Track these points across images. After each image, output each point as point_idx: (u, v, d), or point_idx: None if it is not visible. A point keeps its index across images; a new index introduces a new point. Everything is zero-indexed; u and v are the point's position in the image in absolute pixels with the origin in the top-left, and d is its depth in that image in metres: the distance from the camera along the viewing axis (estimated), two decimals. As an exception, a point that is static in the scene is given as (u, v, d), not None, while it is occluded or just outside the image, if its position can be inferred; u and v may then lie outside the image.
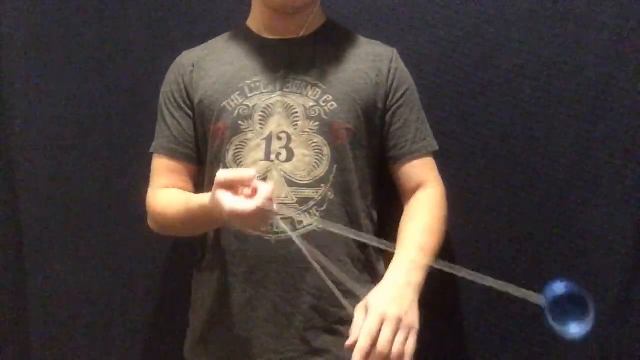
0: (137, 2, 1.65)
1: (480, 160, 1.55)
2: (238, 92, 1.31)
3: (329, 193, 1.28)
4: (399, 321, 1.08)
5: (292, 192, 1.26)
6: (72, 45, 1.67)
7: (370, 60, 1.36)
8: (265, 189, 1.04)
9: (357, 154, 1.32)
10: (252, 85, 1.31)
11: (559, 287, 0.99)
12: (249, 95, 1.30)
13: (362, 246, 1.32)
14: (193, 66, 1.38)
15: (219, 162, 1.31)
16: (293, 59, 1.34)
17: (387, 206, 1.41)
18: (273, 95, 1.30)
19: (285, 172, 1.26)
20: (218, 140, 1.31)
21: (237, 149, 1.29)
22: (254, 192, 1.05)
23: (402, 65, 1.40)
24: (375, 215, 1.40)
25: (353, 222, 1.31)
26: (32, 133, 1.69)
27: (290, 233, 1.13)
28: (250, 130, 1.28)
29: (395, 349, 1.06)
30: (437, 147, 1.40)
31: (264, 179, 1.25)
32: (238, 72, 1.34)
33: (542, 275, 1.53)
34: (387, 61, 1.37)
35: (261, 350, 1.28)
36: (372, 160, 1.37)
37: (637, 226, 1.48)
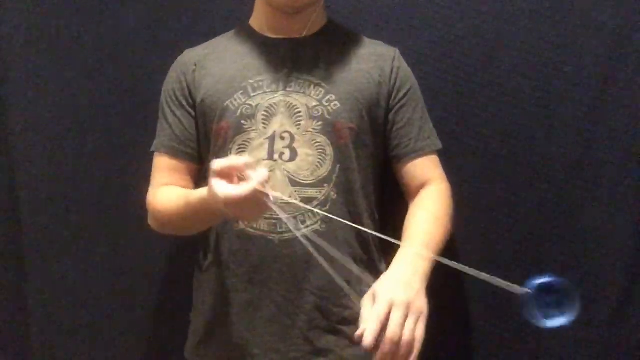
0: (137, 2, 1.65)
1: (480, 160, 1.55)
2: (241, 92, 1.31)
3: (332, 193, 1.28)
4: (408, 306, 1.05)
5: (295, 191, 1.25)
6: (72, 45, 1.66)
7: (372, 60, 1.36)
8: (259, 174, 1.03)
9: (360, 154, 1.32)
10: (255, 85, 1.31)
11: (540, 279, 1.01)
12: (252, 94, 1.30)
13: (365, 246, 1.33)
14: (195, 65, 1.38)
15: None
16: (296, 58, 1.34)
17: (391, 206, 1.41)
18: (276, 95, 1.30)
19: (288, 172, 1.26)
20: (221, 139, 1.31)
21: (239, 148, 1.28)
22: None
23: (404, 64, 1.40)
24: (377, 215, 1.40)
25: (356, 221, 1.30)
26: (32, 133, 1.68)
27: (294, 231, 1.13)
28: (254, 130, 1.28)
29: (406, 334, 1.03)
30: (440, 146, 1.40)
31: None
32: (241, 71, 1.34)
33: (542, 275, 1.53)
34: (390, 60, 1.38)
35: (264, 351, 1.28)
36: (375, 160, 1.37)
37: (637, 226, 1.48)
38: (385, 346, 1.02)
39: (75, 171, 1.69)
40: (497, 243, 1.56)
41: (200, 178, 1.41)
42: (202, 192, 1.16)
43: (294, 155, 1.27)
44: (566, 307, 1.02)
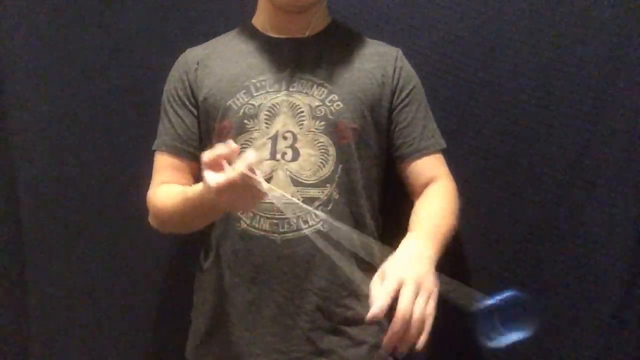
0: (137, 2, 1.65)
1: (480, 160, 1.55)
2: (244, 91, 1.31)
3: (334, 193, 1.28)
4: (419, 284, 1.03)
5: (297, 191, 1.26)
6: (72, 45, 1.66)
7: (375, 60, 1.37)
8: (245, 157, 1.01)
9: (363, 154, 1.32)
10: (258, 84, 1.31)
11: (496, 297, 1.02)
12: (255, 94, 1.30)
13: (367, 246, 1.32)
14: (198, 64, 1.38)
15: None
16: (299, 58, 1.34)
17: (393, 206, 1.41)
18: (279, 95, 1.30)
19: (290, 172, 1.26)
20: (223, 138, 1.29)
21: (242, 148, 1.27)
22: None
23: (407, 64, 1.41)
24: (379, 215, 1.40)
25: (358, 222, 1.31)
26: (32, 133, 1.68)
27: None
28: (256, 130, 1.29)
29: (417, 312, 1.01)
30: (444, 145, 1.40)
31: (270, 178, 1.25)
32: (244, 70, 1.34)
33: (542, 275, 1.53)
34: (392, 60, 1.38)
35: (265, 351, 1.28)
36: (378, 160, 1.37)
37: (637, 226, 1.48)
38: (396, 324, 1.00)
39: (75, 171, 1.69)
40: (497, 243, 1.56)
41: (201, 177, 1.41)
42: (199, 186, 1.16)
43: (296, 155, 1.27)
44: (521, 323, 1.02)
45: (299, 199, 1.23)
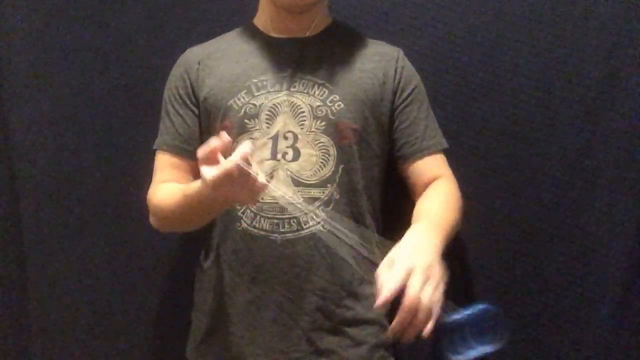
0: (137, 2, 1.65)
1: (480, 160, 1.55)
2: (245, 91, 1.31)
3: (335, 193, 1.28)
4: (427, 272, 1.04)
5: (298, 191, 1.26)
6: (73, 44, 1.66)
7: (376, 60, 1.37)
8: (240, 148, 1.01)
9: (364, 154, 1.32)
10: (259, 84, 1.31)
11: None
12: (256, 94, 1.30)
13: (368, 242, 1.32)
14: (199, 63, 1.38)
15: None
16: (300, 58, 1.34)
17: (394, 207, 1.41)
18: (280, 95, 1.30)
19: (291, 172, 1.26)
20: None
21: None
22: None
23: (408, 64, 1.41)
24: (379, 216, 1.40)
25: (359, 222, 1.31)
26: (32, 133, 1.68)
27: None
28: (257, 129, 1.29)
29: (425, 299, 1.01)
30: (446, 145, 1.41)
31: (270, 178, 1.25)
32: (245, 70, 1.34)
33: (542, 275, 1.53)
34: (394, 60, 1.38)
35: (266, 351, 1.28)
36: (379, 160, 1.37)
37: (637, 226, 1.48)
38: (404, 311, 1.01)
39: (75, 171, 1.68)
40: (497, 243, 1.56)
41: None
42: (198, 183, 1.15)
43: (297, 155, 1.27)
44: (492, 337, 1.03)
45: (299, 199, 1.24)
